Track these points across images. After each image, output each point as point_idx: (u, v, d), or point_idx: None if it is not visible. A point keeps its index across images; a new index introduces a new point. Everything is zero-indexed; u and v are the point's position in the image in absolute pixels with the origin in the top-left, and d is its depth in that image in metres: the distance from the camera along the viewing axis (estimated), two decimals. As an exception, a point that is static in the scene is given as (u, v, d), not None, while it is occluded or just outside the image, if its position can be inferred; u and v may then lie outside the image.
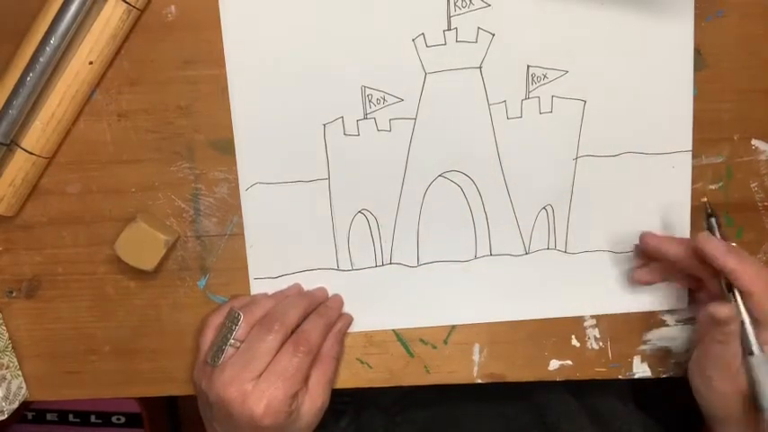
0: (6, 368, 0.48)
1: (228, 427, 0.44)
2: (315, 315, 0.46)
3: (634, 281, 0.48)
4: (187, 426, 1.01)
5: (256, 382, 0.42)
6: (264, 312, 0.45)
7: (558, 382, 0.50)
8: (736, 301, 0.42)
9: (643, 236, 0.47)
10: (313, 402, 0.45)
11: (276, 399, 0.42)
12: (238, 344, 0.44)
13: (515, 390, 0.52)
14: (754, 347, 0.42)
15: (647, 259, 0.48)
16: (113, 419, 0.92)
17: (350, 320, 0.49)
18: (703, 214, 0.46)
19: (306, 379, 0.44)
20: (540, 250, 0.48)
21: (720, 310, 0.41)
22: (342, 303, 0.49)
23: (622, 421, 0.55)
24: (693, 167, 0.47)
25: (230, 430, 0.44)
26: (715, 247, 0.43)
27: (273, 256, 0.48)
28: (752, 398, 0.42)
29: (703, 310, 0.43)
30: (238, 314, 0.44)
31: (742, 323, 0.42)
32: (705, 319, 0.43)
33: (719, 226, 0.45)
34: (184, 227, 0.47)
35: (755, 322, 0.42)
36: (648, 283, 0.48)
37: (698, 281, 0.47)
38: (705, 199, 0.47)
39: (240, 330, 0.44)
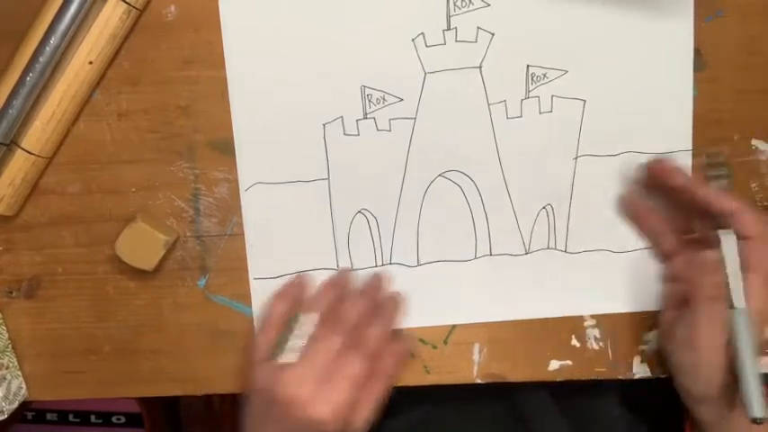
0: (6, 368, 0.48)
1: (284, 427, 0.42)
2: (379, 319, 0.45)
3: (624, 205, 0.47)
4: (187, 426, 1.01)
5: (324, 384, 0.41)
6: (326, 306, 0.45)
7: (546, 384, 0.50)
8: (722, 247, 0.41)
9: (650, 161, 0.46)
10: (362, 418, 0.43)
11: (341, 404, 0.41)
12: (302, 342, 0.43)
13: (501, 391, 0.52)
14: (738, 300, 0.40)
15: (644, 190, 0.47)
16: (113, 419, 0.92)
17: (408, 346, 0.48)
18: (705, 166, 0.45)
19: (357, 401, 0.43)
20: (540, 250, 0.48)
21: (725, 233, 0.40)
22: (400, 302, 0.48)
23: (605, 425, 0.55)
24: (693, 167, 0.47)
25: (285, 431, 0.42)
26: (713, 190, 0.42)
27: (273, 256, 0.48)
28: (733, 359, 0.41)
29: (687, 262, 0.43)
30: (298, 316, 0.44)
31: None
32: (693, 272, 0.42)
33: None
34: (184, 227, 0.47)
35: (745, 270, 0.41)
36: (634, 217, 0.47)
37: (669, 241, 0.46)
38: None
39: (305, 326, 0.44)
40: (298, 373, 0.42)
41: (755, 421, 0.39)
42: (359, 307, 0.45)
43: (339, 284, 0.47)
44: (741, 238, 0.41)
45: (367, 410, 0.43)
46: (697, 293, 0.43)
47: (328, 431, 0.41)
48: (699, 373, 0.43)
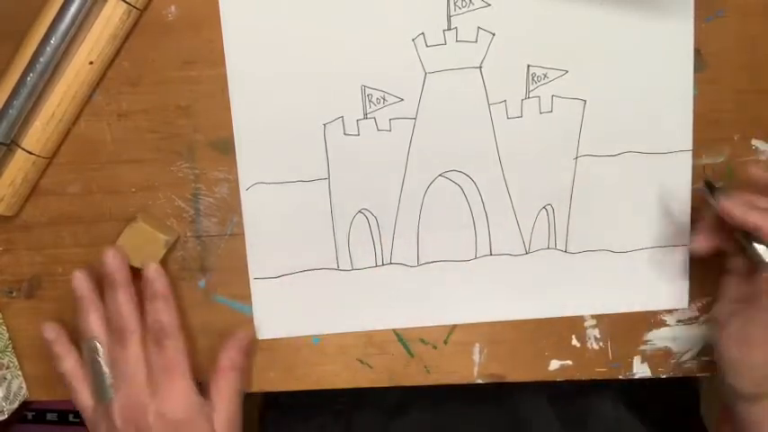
0: (6, 368, 0.48)
1: None
2: (149, 303, 0.44)
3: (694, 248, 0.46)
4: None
5: (149, 389, 0.43)
6: (101, 320, 0.44)
7: (545, 386, 0.50)
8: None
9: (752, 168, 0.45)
10: (219, 414, 0.45)
11: (175, 391, 0.43)
12: (107, 370, 0.44)
13: (498, 397, 0.52)
14: None
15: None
16: (113, 419, 0.92)
17: (250, 334, 0.48)
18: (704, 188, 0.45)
19: (208, 394, 0.45)
20: (541, 250, 0.48)
21: None
22: (158, 270, 0.45)
23: (604, 429, 0.55)
24: (693, 167, 0.47)
25: None
26: (738, 212, 0.42)
27: (273, 256, 0.48)
28: None
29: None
30: (93, 342, 0.44)
31: None
32: (759, 269, 0.42)
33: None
34: (184, 227, 0.47)
35: None
36: (705, 249, 0.46)
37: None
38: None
39: (105, 355, 0.44)
40: (123, 401, 0.43)
41: None
42: (130, 302, 0.44)
43: (86, 286, 0.45)
44: None
45: (219, 411, 0.45)
46: (760, 290, 0.42)
47: (180, 417, 0.43)
48: (751, 372, 0.43)
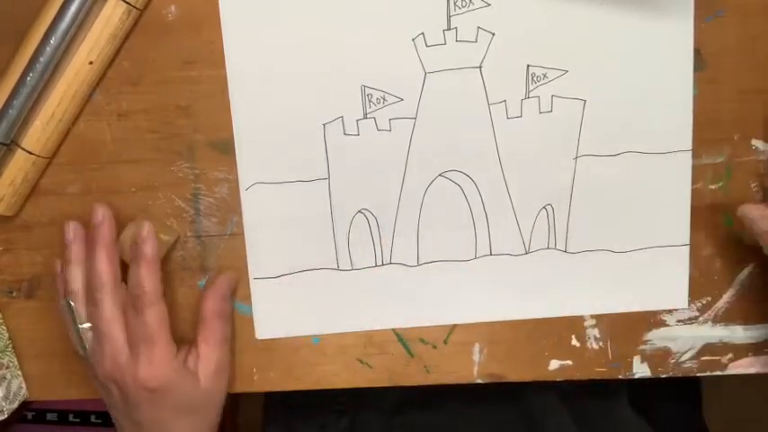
0: (6, 368, 0.48)
1: (125, 404, 0.44)
2: (133, 265, 0.43)
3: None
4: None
5: (128, 351, 0.43)
6: (82, 274, 0.44)
7: (555, 386, 0.50)
8: None
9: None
10: (205, 363, 0.45)
11: (154, 361, 0.42)
12: (88, 326, 0.44)
13: (509, 394, 0.52)
14: None
15: None
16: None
17: (229, 276, 0.47)
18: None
19: (194, 343, 0.45)
20: (540, 250, 0.48)
21: None
22: (150, 229, 0.44)
23: (615, 427, 0.55)
24: (693, 167, 0.47)
25: (131, 409, 0.44)
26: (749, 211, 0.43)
27: (273, 256, 0.48)
28: None
29: None
30: (67, 300, 0.44)
31: None
32: None
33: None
34: (184, 227, 0.47)
35: None
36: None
37: None
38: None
39: (81, 312, 0.44)
40: (98, 358, 0.43)
41: None
42: (105, 261, 0.43)
43: (72, 249, 0.45)
44: None
45: (204, 359, 0.45)
46: None
47: (154, 386, 0.43)
48: None
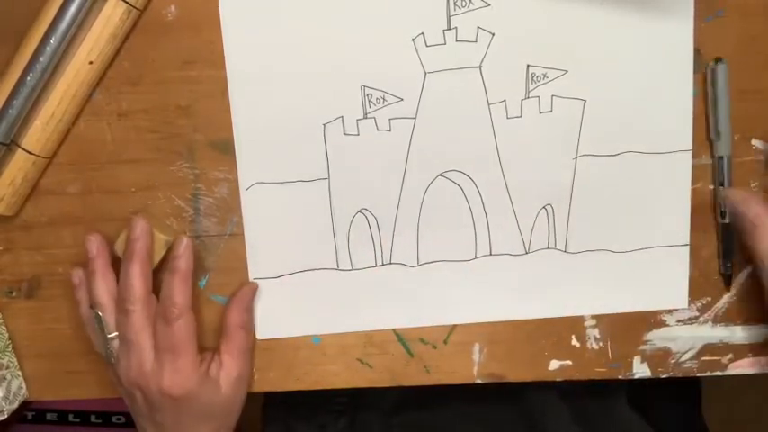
0: (6, 368, 0.48)
1: (149, 409, 0.45)
2: (168, 275, 0.44)
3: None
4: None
5: (153, 360, 0.44)
6: (109, 292, 0.45)
7: (554, 386, 0.50)
8: None
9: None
10: (227, 372, 0.46)
11: (179, 371, 0.43)
12: (116, 335, 0.45)
13: (509, 394, 0.52)
14: None
15: None
16: (113, 419, 0.92)
17: (252, 288, 0.48)
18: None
19: (218, 352, 0.46)
20: (540, 250, 0.48)
21: None
22: (188, 245, 0.45)
23: (617, 427, 0.55)
24: (693, 167, 0.47)
25: (154, 413, 0.45)
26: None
27: (273, 256, 0.48)
28: None
29: None
30: (96, 312, 0.45)
31: None
32: None
33: None
34: (184, 227, 0.47)
35: None
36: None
37: None
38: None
39: (110, 321, 0.45)
40: (124, 364, 0.44)
41: None
42: (139, 277, 0.44)
43: (98, 257, 0.45)
44: None
45: (226, 368, 0.46)
46: None
47: (177, 394, 0.44)
48: None
